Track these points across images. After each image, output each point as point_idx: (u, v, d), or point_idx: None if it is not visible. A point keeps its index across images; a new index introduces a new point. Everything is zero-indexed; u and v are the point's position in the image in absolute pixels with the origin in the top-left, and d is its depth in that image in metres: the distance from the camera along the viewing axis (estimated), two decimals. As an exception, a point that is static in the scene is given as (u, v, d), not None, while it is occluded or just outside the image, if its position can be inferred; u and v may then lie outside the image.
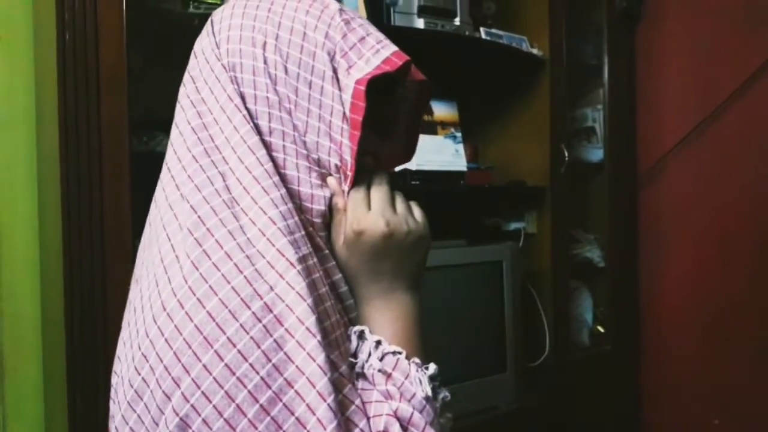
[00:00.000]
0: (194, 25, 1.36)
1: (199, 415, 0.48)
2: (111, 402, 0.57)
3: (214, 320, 0.49)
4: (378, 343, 0.58)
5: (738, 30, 2.13)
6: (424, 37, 1.69)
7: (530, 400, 1.88)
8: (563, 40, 2.00)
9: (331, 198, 0.62)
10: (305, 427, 0.48)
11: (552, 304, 1.98)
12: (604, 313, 2.27)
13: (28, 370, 1.45)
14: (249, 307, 0.50)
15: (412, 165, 1.69)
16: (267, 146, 0.59)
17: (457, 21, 1.74)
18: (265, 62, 0.61)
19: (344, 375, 0.53)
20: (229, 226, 0.54)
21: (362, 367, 0.57)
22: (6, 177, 1.44)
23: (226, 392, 0.48)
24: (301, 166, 0.60)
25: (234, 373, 0.48)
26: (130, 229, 1.21)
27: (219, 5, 1.38)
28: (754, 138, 2.11)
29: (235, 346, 0.49)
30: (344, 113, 0.60)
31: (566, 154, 1.99)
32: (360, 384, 0.56)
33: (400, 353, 0.58)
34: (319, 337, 0.50)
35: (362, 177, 0.62)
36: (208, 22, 0.66)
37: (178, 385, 0.49)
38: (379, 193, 0.62)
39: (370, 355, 0.58)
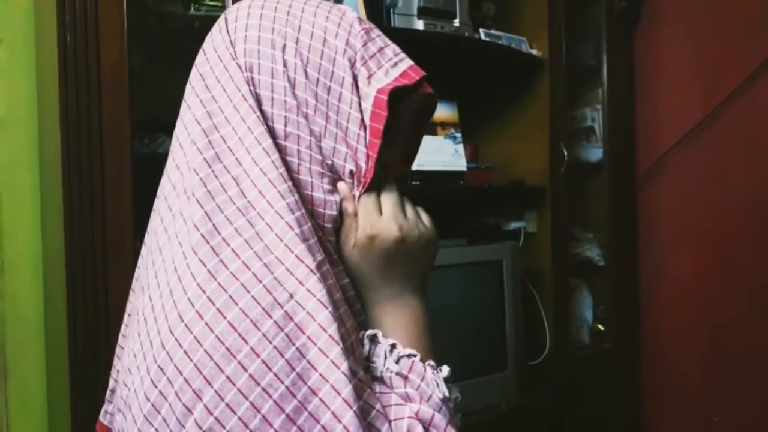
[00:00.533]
0: (195, 27, 1.37)
1: (224, 428, 0.47)
2: (120, 415, 0.56)
3: (236, 330, 0.49)
4: (393, 346, 0.58)
5: (737, 30, 2.13)
6: (423, 38, 1.69)
7: (531, 398, 1.88)
8: (562, 40, 2.00)
9: (341, 203, 0.62)
10: None
11: (552, 302, 1.98)
12: (604, 312, 2.27)
13: (31, 373, 1.45)
14: (270, 316, 0.49)
15: (413, 165, 1.69)
16: (281, 150, 0.59)
17: (456, 22, 1.74)
18: (285, 65, 0.60)
19: (362, 380, 0.53)
20: (245, 234, 0.53)
21: (379, 371, 0.57)
22: (8, 179, 1.44)
23: (251, 403, 0.47)
24: (314, 171, 0.60)
25: (259, 384, 0.48)
26: (131, 231, 1.21)
27: (220, 7, 1.38)
28: (754, 138, 2.11)
29: (258, 356, 0.48)
30: (362, 120, 0.61)
31: (566, 153, 1.99)
32: (378, 388, 0.56)
33: (414, 356, 0.58)
34: (342, 345, 0.50)
35: (372, 184, 0.62)
36: (222, 20, 0.65)
37: (200, 398, 0.48)
38: (390, 198, 0.63)
39: (385, 358, 0.58)
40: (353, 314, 0.60)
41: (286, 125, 0.60)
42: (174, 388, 0.49)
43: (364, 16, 1.58)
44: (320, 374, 0.49)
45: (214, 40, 0.64)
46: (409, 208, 0.64)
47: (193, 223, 0.55)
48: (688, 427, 2.29)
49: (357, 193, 0.62)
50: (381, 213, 0.62)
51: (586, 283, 2.26)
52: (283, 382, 0.48)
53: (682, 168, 2.29)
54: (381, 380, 0.57)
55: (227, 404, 0.47)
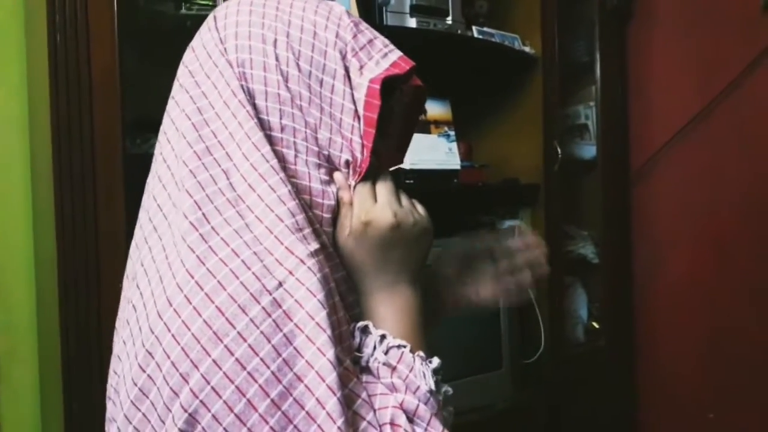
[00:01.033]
0: (187, 27, 1.36)
1: (209, 411, 0.47)
2: (110, 403, 0.56)
3: (223, 315, 0.49)
4: (383, 336, 0.59)
5: (730, 26, 2.13)
6: (416, 36, 1.69)
7: (526, 396, 1.89)
8: (555, 38, 2.00)
9: (337, 192, 0.62)
10: (315, 421, 0.48)
11: (547, 300, 1.98)
12: (598, 309, 2.28)
13: (24, 376, 1.44)
14: (258, 302, 0.50)
15: (406, 164, 1.69)
16: (276, 142, 0.59)
17: (449, 20, 1.74)
18: (277, 59, 0.61)
19: (349, 369, 0.53)
20: (235, 224, 0.54)
21: (367, 361, 0.57)
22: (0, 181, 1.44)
23: (236, 387, 0.48)
24: (311, 162, 0.61)
25: (245, 368, 0.48)
26: (124, 233, 1.20)
27: (212, 6, 1.38)
28: (748, 133, 2.11)
29: (245, 340, 0.48)
30: (355, 111, 0.62)
31: (559, 151, 1.99)
32: (365, 378, 0.56)
33: (404, 346, 0.59)
34: (329, 332, 0.50)
35: (367, 173, 0.63)
36: (210, 18, 0.66)
37: (187, 381, 0.48)
38: (385, 186, 0.64)
39: (374, 348, 0.58)
40: (347, 307, 0.60)
41: (281, 118, 0.60)
42: (162, 372, 0.49)
43: (356, 14, 1.57)
44: (306, 361, 0.49)
45: (203, 38, 0.65)
46: (403, 197, 0.65)
47: (182, 212, 0.55)
48: (682, 425, 2.30)
49: (352, 183, 0.63)
50: (376, 201, 0.62)
51: (581, 281, 2.26)
52: (269, 367, 0.48)
53: (675, 165, 2.29)
54: (368, 370, 0.57)
55: (213, 387, 0.48)
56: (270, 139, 0.59)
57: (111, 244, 1.20)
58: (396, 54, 0.64)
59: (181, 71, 0.65)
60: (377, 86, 0.61)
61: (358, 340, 0.59)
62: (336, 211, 0.62)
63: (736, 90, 2.13)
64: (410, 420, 0.54)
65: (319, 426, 0.48)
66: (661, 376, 2.35)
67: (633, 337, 2.40)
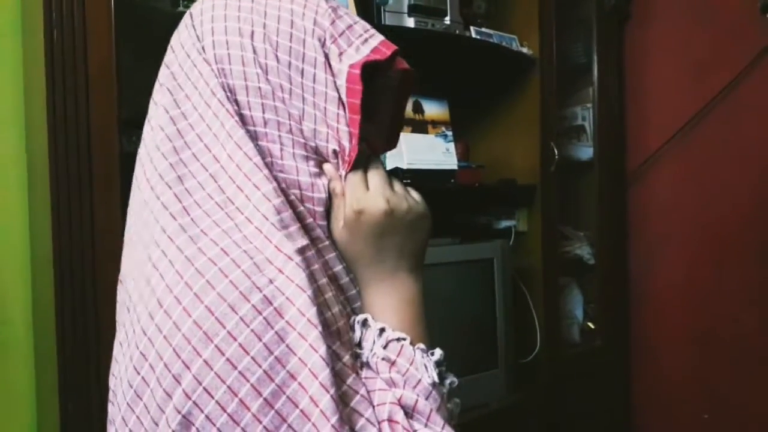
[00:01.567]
0: (184, 25, 1.35)
1: (202, 412, 0.47)
2: (110, 404, 0.56)
3: (213, 314, 0.49)
4: (382, 330, 0.58)
5: (727, 27, 2.14)
6: (414, 36, 1.68)
7: (522, 396, 1.88)
8: (553, 39, 2.00)
9: (328, 184, 0.61)
10: (309, 419, 0.47)
11: (543, 301, 1.99)
12: (594, 310, 2.28)
13: (20, 374, 1.44)
14: (248, 300, 0.49)
15: (403, 164, 1.69)
16: (260, 137, 0.59)
17: (447, 20, 1.74)
18: (255, 52, 0.60)
19: (347, 365, 0.52)
20: (224, 225, 0.53)
21: (367, 356, 0.57)
22: (-5, 178, 1.43)
23: (228, 387, 0.47)
24: (298, 155, 0.60)
25: (236, 367, 0.47)
26: (120, 229, 1.17)
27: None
28: (744, 135, 2.12)
29: (235, 339, 0.48)
30: (339, 99, 0.60)
31: (556, 152, 2.00)
32: (364, 373, 0.55)
33: (404, 339, 0.58)
34: (320, 329, 0.50)
35: (357, 161, 0.62)
36: (187, 16, 0.64)
37: (179, 383, 0.48)
38: (376, 174, 0.62)
39: (374, 343, 0.57)
40: (348, 301, 0.60)
41: (264, 112, 0.59)
42: (155, 374, 0.49)
43: (354, 13, 1.57)
44: (299, 358, 0.49)
45: (181, 37, 0.64)
46: (396, 183, 0.64)
47: (170, 214, 0.55)
48: (678, 425, 2.30)
49: (343, 173, 0.61)
50: (368, 188, 0.61)
51: (577, 282, 2.27)
52: (260, 366, 0.48)
53: (671, 166, 2.30)
54: (368, 365, 0.56)
55: (205, 388, 0.47)
56: (254, 135, 0.58)
57: (107, 240, 1.20)
58: (377, 39, 0.63)
59: (163, 72, 0.64)
60: (357, 71, 0.59)
61: (358, 334, 0.58)
62: (328, 203, 0.61)
63: (732, 92, 2.13)
64: (409, 416, 0.53)
65: (313, 424, 0.47)
66: (656, 377, 2.36)
67: (628, 337, 2.41)
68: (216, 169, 0.56)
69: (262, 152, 0.58)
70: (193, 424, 0.47)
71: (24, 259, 1.44)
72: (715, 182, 2.19)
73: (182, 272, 0.51)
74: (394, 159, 1.70)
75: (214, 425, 0.47)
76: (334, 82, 0.60)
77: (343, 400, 0.50)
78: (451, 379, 0.59)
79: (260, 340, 0.48)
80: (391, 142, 0.72)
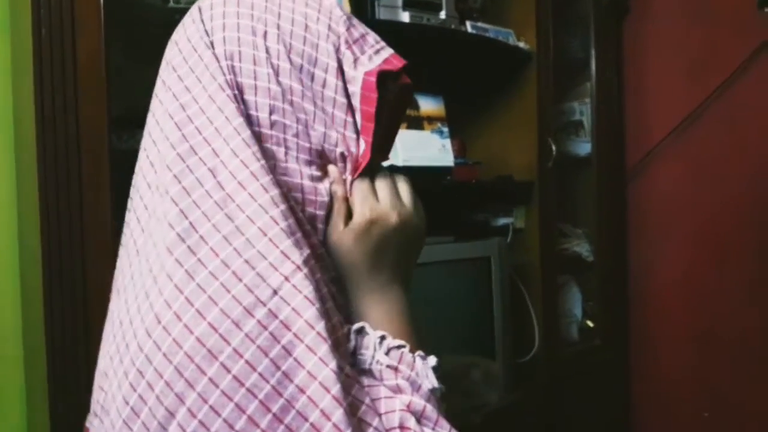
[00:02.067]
0: (175, 21, 1.33)
1: (209, 430, 0.46)
2: (96, 420, 0.55)
3: (216, 331, 0.48)
4: (382, 337, 0.57)
5: (726, 22, 2.13)
6: (409, 30, 1.67)
7: (520, 395, 1.88)
8: (550, 33, 1.99)
9: (330, 187, 0.60)
10: None
11: (541, 299, 1.98)
12: (593, 308, 2.27)
13: (8, 374, 1.43)
14: (253, 316, 0.48)
15: (399, 161, 1.68)
16: (265, 139, 0.57)
17: (442, 14, 1.73)
18: (268, 52, 0.59)
19: (350, 375, 0.52)
20: (224, 230, 0.52)
21: (367, 364, 0.56)
22: (-17, 178, 1.41)
23: (236, 404, 0.46)
24: (302, 159, 0.59)
25: (243, 384, 0.47)
26: (110, 229, 1.19)
27: (199, -1, 1.36)
28: (743, 130, 2.11)
29: (242, 356, 0.47)
30: (347, 105, 0.60)
31: (554, 148, 1.98)
32: (366, 381, 0.54)
33: (404, 347, 0.57)
34: (330, 342, 0.49)
35: (365, 169, 0.61)
36: (195, 9, 0.63)
37: (183, 401, 0.47)
38: (385, 184, 0.62)
39: (375, 350, 0.56)
40: (338, 309, 0.58)
41: (271, 114, 0.58)
42: (155, 392, 0.48)
43: (348, 8, 1.55)
44: (308, 371, 0.48)
45: (187, 31, 0.62)
46: (404, 193, 0.63)
47: (168, 222, 0.53)
48: (677, 423, 2.30)
49: (349, 178, 0.61)
50: (377, 198, 0.61)
51: (576, 279, 2.26)
52: (268, 382, 0.47)
53: (671, 161, 2.29)
54: (369, 373, 0.56)
55: (211, 406, 0.47)
56: (259, 136, 0.57)
57: (97, 240, 1.19)
58: (388, 51, 0.63)
59: (164, 67, 0.63)
60: (373, 79, 0.59)
61: (353, 342, 0.57)
62: (330, 207, 0.60)
63: (731, 87, 2.12)
64: (418, 422, 0.53)
65: None
66: (656, 375, 2.35)
67: (628, 335, 2.40)
68: (215, 163, 0.55)
69: (265, 155, 0.56)
70: None
71: (12, 258, 1.43)
72: (715, 178, 2.18)
73: (182, 287, 0.50)
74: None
75: None
76: (344, 89, 0.60)
77: (350, 412, 0.49)
78: (441, 386, 0.58)
79: (267, 355, 0.48)
80: (385, 153, 0.71)
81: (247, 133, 0.56)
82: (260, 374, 0.47)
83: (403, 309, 0.62)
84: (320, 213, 0.59)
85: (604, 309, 2.26)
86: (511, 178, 1.99)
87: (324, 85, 0.60)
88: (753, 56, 2.06)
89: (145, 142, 0.60)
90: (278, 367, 0.47)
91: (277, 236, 0.52)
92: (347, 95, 0.60)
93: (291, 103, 0.59)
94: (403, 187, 0.64)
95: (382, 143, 0.69)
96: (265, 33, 0.60)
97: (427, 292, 1.67)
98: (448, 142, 1.83)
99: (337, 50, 0.61)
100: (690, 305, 2.26)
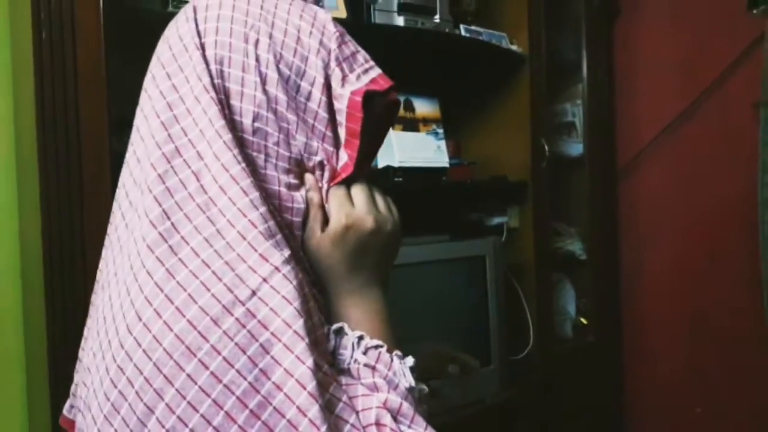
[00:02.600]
0: (173, 24, 1.35)
1: (187, 426, 0.47)
2: (79, 415, 0.55)
3: (195, 329, 0.49)
4: (360, 337, 0.59)
5: (716, 22, 2.15)
6: (404, 34, 1.69)
7: (515, 392, 1.89)
8: (542, 36, 2.01)
9: (306, 194, 0.62)
10: (297, 429, 0.48)
11: (535, 297, 1.99)
12: (586, 305, 2.29)
13: (10, 372, 1.43)
14: (231, 314, 0.49)
15: (395, 162, 1.70)
16: (247, 145, 0.58)
17: (437, 18, 1.74)
18: (257, 60, 0.60)
19: (328, 374, 0.53)
20: (205, 232, 0.53)
21: (345, 363, 0.57)
22: (-16, 180, 1.42)
23: (213, 400, 0.47)
24: (280, 167, 0.60)
25: (221, 381, 0.48)
26: (111, 230, 1.20)
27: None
28: (734, 130, 2.13)
29: (219, 353, 0.48)
30: (328, 121, 0.61)
31: (547, 148, 2.00)
32: (344, 380, 0.55)
33: (381, 347, 0.59)
34: (307, 340, 0.50)
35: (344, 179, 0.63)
36: (189, 9, 0.63)
37: (162, 397, 0.48)
38: (362, 190, 0.63)
39: (353, 350, 0.58)
40: (320, 309, 0.60)
41: (254, 121, 0.59)
42: (135, 388, 0.49)
43: (343, 12, 1.57)
44: (285, 369, 0.49)
45: (180, 29, 0.62)
46: (379, 198, 0.65)
47: (149, 221, 0.54)
48: (670, 419, 2.32)
49: (325, 186, 0.62)
50: (353, 204, 0.62)
51: (569, 277, 2.27)
52: (245, 378, 0.48)
53: (661, 161, 2.31)
54: (347, 372, 0.57)
55: (189, 402, 0.47)
56: (241, 142, 0.58)
57: (97, 241, 1.18)
58: (376, 71, 0.64)
59: (154, 62, 0.63)
60: (359, 98, 0.60)
61: (332, 342, 0.58)
62: (306, 214, 0.61)
63: (721, 87, 2.15)
64: (394, 419, 0.54)
65: None
66: (648, 371, 2.37)
67: (621, 332, 2.42)
68: (200, 166, 0.56)
69: (245, 160, 0.57)
70: None
71: (13, 259, 1.43)
72: (705, 177, 2.20)
73: (162, 285, 0.50)
74: (385, 157, 1.71)
75: None
76: (328, 104, 0.61)
77: (327, 409, 0.50)
78: (420, 386, 0.60)
79: (245, 353, 0.48)
80: (365, 166, 0.72)
81: (228, 136, 0.56)
82: (237, 371, 0.48)
83: (380, 310, 0.63)
84: (297, 220, 0.60)
85: (597, 306, 2.27)
86: (505, 178, 2.01)
87: (308, 98, 0.61)
88: (742, 57, 2.09)
89: (133, 138, 0.61)
90: (255, 365, 0.48)
91: (255, 239, 0.53)
92: (330, 110, 0.62)
93: (275, 112, 0.60)
94: (378, 195, 0.65)
95: (363, 158, 0.70)
96: (257, 41, 0.60)
97: (424, 291, 1.69)
98: (443, 143, 1.85)
99: (326, 66, 0.62)
100: (681, 301, 2.28)
